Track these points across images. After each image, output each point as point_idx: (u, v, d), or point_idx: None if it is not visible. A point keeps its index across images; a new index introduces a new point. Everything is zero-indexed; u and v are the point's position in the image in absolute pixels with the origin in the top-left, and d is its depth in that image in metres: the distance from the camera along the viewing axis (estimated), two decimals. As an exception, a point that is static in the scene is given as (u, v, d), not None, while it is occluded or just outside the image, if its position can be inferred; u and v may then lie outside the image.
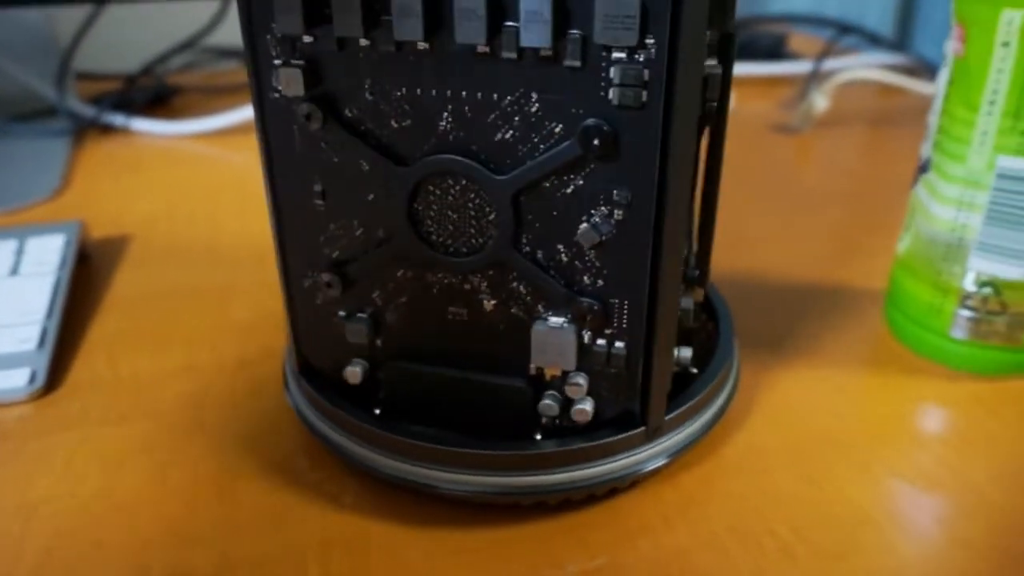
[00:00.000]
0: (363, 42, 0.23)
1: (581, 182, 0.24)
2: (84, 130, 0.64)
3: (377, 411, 0.30)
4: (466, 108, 0.24)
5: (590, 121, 0.23)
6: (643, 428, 0.28)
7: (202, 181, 0.56)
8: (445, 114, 0.24)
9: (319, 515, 0.29)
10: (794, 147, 0.60)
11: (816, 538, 0.28)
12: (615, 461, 0.28)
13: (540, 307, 0.27)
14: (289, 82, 0.24)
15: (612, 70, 0.22)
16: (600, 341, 0.27)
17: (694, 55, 0.22)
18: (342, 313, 0.28)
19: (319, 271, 0.28)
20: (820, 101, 0.62)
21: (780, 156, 0.59)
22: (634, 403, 0.28)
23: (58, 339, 0.38)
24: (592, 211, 0.25)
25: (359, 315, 0.28)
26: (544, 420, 0.29)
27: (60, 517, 0.30)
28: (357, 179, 0.26)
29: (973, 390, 0.35)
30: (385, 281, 0.27)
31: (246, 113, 0.64)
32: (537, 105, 0.23)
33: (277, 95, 0.25)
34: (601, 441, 0.28)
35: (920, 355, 0.37)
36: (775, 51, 0.77)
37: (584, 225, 0.25)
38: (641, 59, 0.22)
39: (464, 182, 0.25)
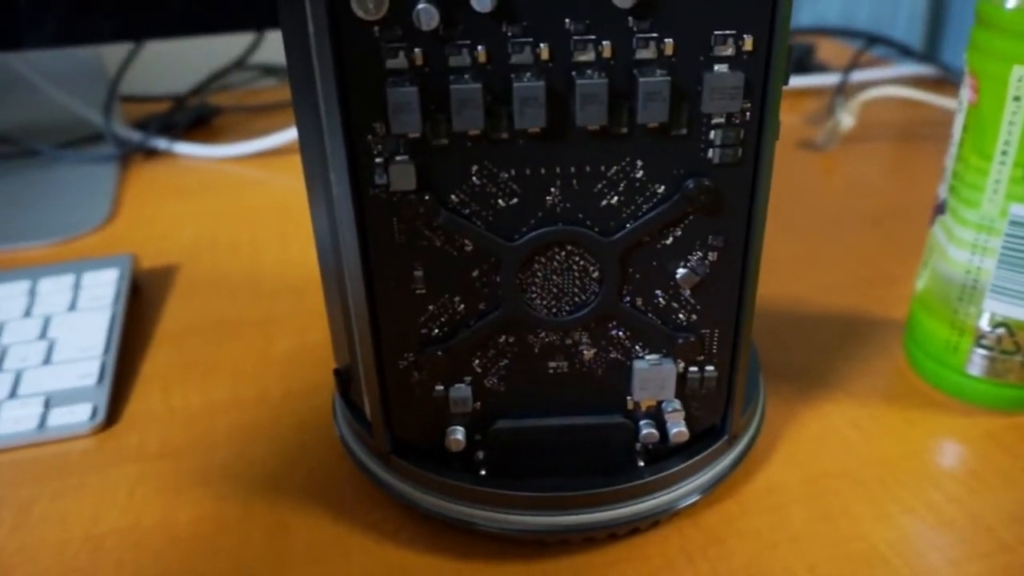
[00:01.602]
0: (474, 132, 0.25)
1: (679, 232, 0.27)
2: (129, 154, 0.66)
3: (482, 472, 0.31)
4: (574, 181, 0.26)
5: (694, 180, 0.26)
6: (726, 437, 0.32)
7: (243, 205, 0.58)
8: (553, 189, 0.26)
9: (368, 550, 0.31)
10: (819, 165, 0.61)
11: (831, 575, 0.30)
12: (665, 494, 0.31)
13: (638, 347, 0.30)
14: (400, 178, 0.26)
15: (712, 133, 0.26)
16: (693, 368, 0.30)
17: (775, 110, 0.25)
18: (440, 387, 0.30)
19: (417, 351, 0.29)
20: (846, 119, 0.63)
21: (805, 174, 0.60)
22: (719, 417, 0.32)
23: (115, 373, 0.41)
24: (689, 256, 0.28)
25: (459, 385, 0.30)
26: (641, 448, 0.31)
27: (125, 550, 0.32)
28: (460, 259, 0.28)
29: (988, 426, 0.36)
30: (486, 349, 0.29)
31: (284, 136, 0.66)
32: (642, 171, 0.26)
33: (377, 190, 0.26)
34: (697, 457, 0.31)
35: (938, 390, 0.38)
36: (804, 62, 0.78)
37: (682, 269, 0.28)
38: (738, 122, 0.25)
39: (570, 247, 0.27)
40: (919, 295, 0.39)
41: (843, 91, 0.71)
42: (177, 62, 0.76)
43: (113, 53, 0.71)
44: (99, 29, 0.59)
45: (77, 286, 0.46)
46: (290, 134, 0.66)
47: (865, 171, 0.61)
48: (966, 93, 0.35)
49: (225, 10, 0.62)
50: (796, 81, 0.75)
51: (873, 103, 0.70)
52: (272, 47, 0.76)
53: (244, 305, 0.47)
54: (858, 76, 0.74)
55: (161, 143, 0.67)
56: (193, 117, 0.72)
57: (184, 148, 0.67)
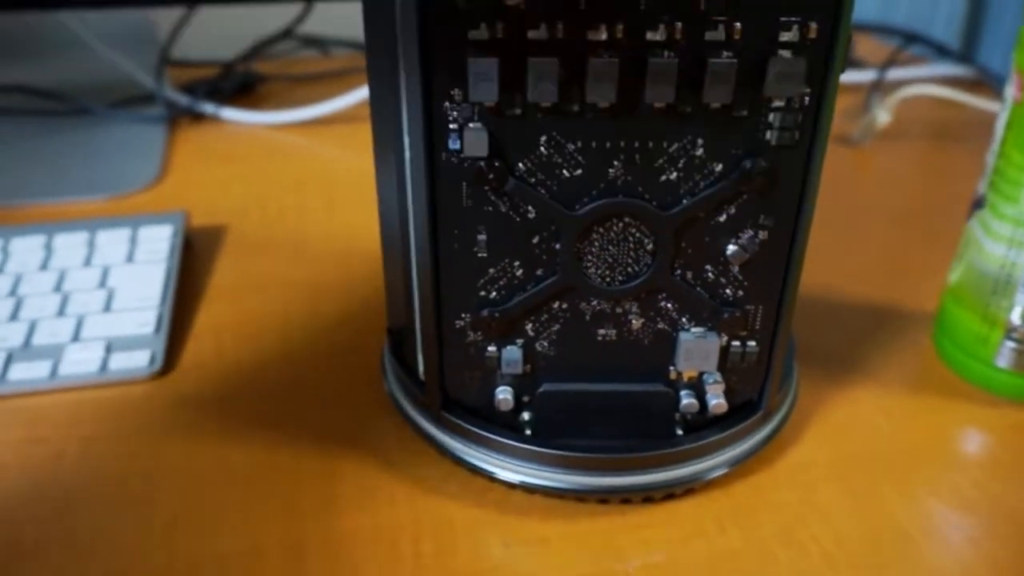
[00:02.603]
0: (546, 103, 0.27)
1: (733, 210, 0.29)
2: (177, 117, 0.68)
3: (528, 432, 0.33)
4: (636, 156, 0.28)
5: (751, 160, 0.27)
6: (762, 411, 0.33)
7: (290, 172, 0.60)
8: (616, 162, 0.28)
9: (415, 500, 0.33)
10: (854, 160, 0.62)
11: (856, 549, 0.31)
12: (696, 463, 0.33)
13: (684, 319, 0.31)
14: (474, 144, 0.27)
15: (772, 116, 0.27)
16: (735, 343, 0.31)
17: (833, 96, 0.27)
18: (493, 348, 0.32)
19: (474, 312, 0.31)
20: (883, 115, 0.63)
21: (840, 169, 0.61)
22: (756, 392, 0.33)
23: (171, 324, 0.42)
24: (740, 234, 0.29)
25: (511, 347, 0.31)
26: (679, 417, 0.33)
27: (181, 486, 0.34)
28: (522, 225, 0.29)
29: (1014, 418, 0.38)
30: (539, 313, 0.31)
31: (328, 106, 0.67)
32: (702, 149, 0.28)
33: (450, 155, 0.28)
34: (733, 429, 0.33)
35: (965, 381, 0.39)
36: (840, 58, 0.78)
37: (733, 246, 0.29)
38: (797, 106, 0.27)
39: (627, 219, 0.29)
40: (952, 287, 0.40)
41: (879, 88, 0.72)
42: (223, 29, 0.77)
43: (163, 16, 0.72)
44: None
45: (133, 239, 0.47)
46: (333, 104, 0.67)
47: (899, 167, 0.61)
48: (1011, 91, 0.36)
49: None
50: (833, 76, 0.76)
51: (909, 101, 0.71)
52: (315, 18, 0.77)
53: (291, 267, 0.48)
54: (894, 74, 0.75)
55: (208, 107, 0.68)
56: (238, 84, 0.73)
57: (230, 113, 0.68)
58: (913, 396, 0.39)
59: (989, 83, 0.75)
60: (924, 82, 0.71)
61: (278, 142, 0.65)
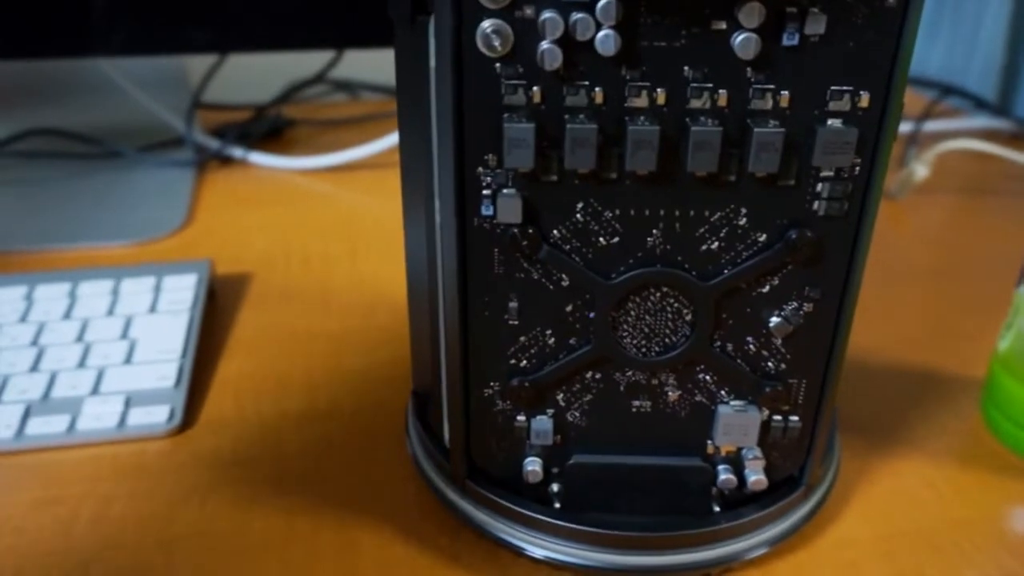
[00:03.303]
0: (584, 170, 0.26)
1: (777, 281, 0.28)
2: (206, 161, 0.68)
3: (556, 504, 0.31)
4: (676, 224, 0.27)
5: (797, 231, 0.26)
6: (803, 488, 0.32)
7: (315, 218, 0.59)
8: (655, 231, 0.27)
9: (432, 572, 0.31)
10: (892, 214, 0.61)
11: (901, 636, 0.29)
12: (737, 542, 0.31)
13: (724, 392, 0.30)
14: (507, 211, 0.26)
15: (820, 186, 0.26)
16: (777, 417, 0.30)
17: (884, 167, 0.26)
18: (522, 417, 0.30)
19: (503, 380, 0.30)
20: (921, 170, 0.62)
21: (879, 223, 0.59)
22: (798, 468, 0.32)
23: (192, 377, 0.42)
24: (784, 306, 0.28)
25: (541, 417, 0.30)
26: (716, 493, 0.31)
27: (198, 554, 0.33)
28: (556, 293, 0.28)
29: (1068, 496, 0.36)
30: (571, 383, 0.30)
31: (356, 152, 0.67)
32: (745, 218, 0.26)
33: (482, 220, 0.27)
34: (773, 507, 0.31)
35: (1015, 454, 0.38)
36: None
37: (776, 318, 0.28)
38: (847, 176, 0.26)
39: (665, 289, 0.28)
40: (1001, 356, 0.38)
41: (916, 141, 0.70)
42: (253, 72, 0.78)
43: (195, 59, 0.73)
44: (188, 40, 0.61)
45: (158, 288, 0.47)
46: (362, 151, 0.67)
47: (938, 222, 0.60)
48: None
49: (307, 27, 0.63)
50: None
51: (947, 154, 0.69)
52: (345, 63, 0.77)
53: (316, 319, 0.47)
54: (931, 126, 0.74)
55: (237, 152, 0.68)
56: (268, 128, 0.73)
57: (258, 158, 0.68)
58: (960, 469, 0.37)
59: (1027, 135, 0.73)
60: (961, 136, 0.70)
61: (305, 187, 0.64)
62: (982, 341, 0.46)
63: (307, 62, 0.77)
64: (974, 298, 0.50)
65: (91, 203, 0.60)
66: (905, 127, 0.74)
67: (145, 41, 0.60)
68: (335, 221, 0.59)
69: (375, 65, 0.81)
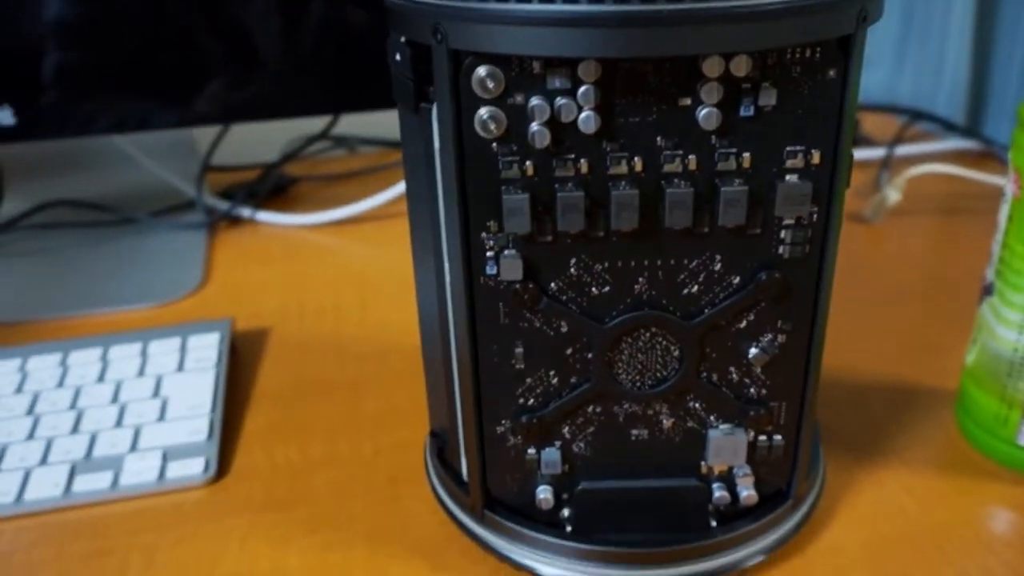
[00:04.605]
0: (575, 231, 0.29)
1: (752, 317, 0.31)
2: (215, 222, 0.72)
3: (568, 528, 0.34)
4: (659, 272, 0.30)
5: (766, 273, 0.30)
6: (791, 500, 0.35)
7: (324, 272, 0.63)
8: (641, 279, 0.30)
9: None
10: (868, 238, 0.64)
11: (889, 638, 0.32)
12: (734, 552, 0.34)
13: (712, 418, 0.33)
14: (509, 270, 0.30)
15: (783, 233, 0.29)
16: (762, 437, 0.33)
17: (839, 212, 0.29)
18: (532, 450, 0.33)
19: (513, 418, 0.33)
20: (893, 195, 0.66)
21: (854, 247, 0.63)
22: (784, 482, 0.35)
23: (222, 430, 0.45)
24: (760, 338, 0.31)
25: (550, 449, 0.33)
26: (712, 509, 0.34)
27: (240, 594, 0.36)
28: (556, 338, 0.31)
29: (1038, 496, 0.39)
30: (575, 417, 0.33)
31: (359, 207, 0.71)
32: (720, 264, 0.30)
33: (487, 279, 0.30)
34: (765, 519, 0.34)
35: (990, 459, 0.41)
36: (848, 136, 0.81)
37: (754, 350, 0.31)
38: (806, 223, 0.29)
39: (654, 329, 0.31)
40: (969, 369, 0.42)
41: (888, 166, 0.74)
42: (255, 133, 0.81)
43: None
44: (195, 114, 0.65)
45: (183, 348, 0.50)
46: (363, 205, 0.70)
47: (912, 244, 0.63)
48: (1010, 187, 0.38)
49: (306, 96, 0.67)
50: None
51: (918, 178, 0.73)
52: (342, 120, 0.81)
53: (332, 368, 0.51)
54: (903, 150, 0.78)
55: (245, 211, 0.72)
56: (272, 186, 0.77)
57: (265, 216, 0.72)
58: (939, 476, 0.40)
59: (996, 155, 0.77)
60: (932, 159, 0.73)
61: (312, 241, 0.68)
62: (955, 355, 0.49)
63: (306, 119, 0.81)
64: (947, 314, 0.53)
65: (110, 269, 0.63)
66: (877, 152, 0.77)
67: (155, 118, 0.64)
68: (343, 273, 0.62)
69: (370, 120, 0.86)
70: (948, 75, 0.86)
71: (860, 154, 0.78)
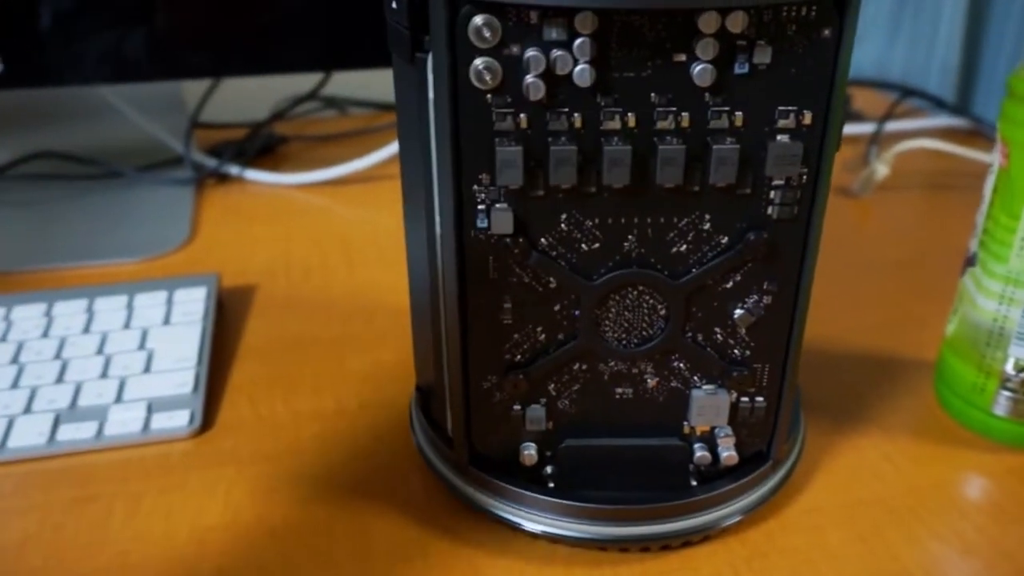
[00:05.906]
0: (566, 185, 0.29)
1: (739, 278, 0.31)
2: (203, 179, 0.71)
3: (551, 485, 0.35)
4: (649, 231, 0.30)
5: (755, 233, 0.30)
6: (771, 462, 0.35)
7: (312, 231, 0.62)
8: (631, 236, 0.30)
9: (445, 552, 0.35)
10: (855, 211, 0.65)
11: (864, 593, 0.33)
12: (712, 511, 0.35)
13: (696, 378, 0.33)
14: (500, 223, 0.30)
15: (773, 193, 0.29)
16: (744, 399, 0.34)
17: (828, 174, 0.29)
18: (518, 406, 0.34)
19: (500, 374, 0.33)
20: (882, 169, 0.66)
21: (841, 220, 0.63)
22: (765, 444, 0.35)
23: (208, 383, 0.45)
24: (746, 299, 0.31)
25: (535, 406, 0.34)
26: (693, 469, 0.35)
27: (226, 542, 0.36)
28: (545, 295, 0.31)
29: (1012, 463, 0.40)
30: (561, 374, 0.33)
31: (347, 167, 0.70)
32: (709, 223, 0.30)
33: (478, 232, 0.30)
34: (744, 479, 0.35)
35: (965, 428, 0.41)
36: (839, 111, 0.81)
37: (740, 310, 0.32)
38: (795, 184, 0.29)
39: (641, 288, 0.31)
40: (949, 339, 0.42)
41: (878, 141, 0.74)
42: (247, 91, 0.81)
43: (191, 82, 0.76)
44: (185, 66, 0.64)
45: (170, 301, 0.50)
46: (352, 166, 0.70)
47: (899, 218, 0.64)
48: (997, 158, 0.38)
49: (298, 51, 0.66)
50: (832, 128, 0.79)
51: (907, 153, 0.73)
52: (334, 81, 0.80)
53: (319, 325, 0.51)
54: (893, 126, 0.78)
55: (233, 169, 0.71)
56: (261, 145, 0.76)
57: (254, 175, 0.71)
58: (916, 443, 0.41)
59: (984, 133, 0.77)
60: (921, 135, 0.74)
61: (300, 201, 0.67)
62: (935, 326, 0.50)
63: (296, 80, 0.80)
64: (930, 287, 0.54)
65: (97, 222, 0.63)
66: (867, 127, 0.78)
67: (145, 68, 0.63)
68: (330, 233, 0.62)
69: (361, 82, 0.85)
70: (940, 52, 0.87)
71: (850, 129, 0.78)
